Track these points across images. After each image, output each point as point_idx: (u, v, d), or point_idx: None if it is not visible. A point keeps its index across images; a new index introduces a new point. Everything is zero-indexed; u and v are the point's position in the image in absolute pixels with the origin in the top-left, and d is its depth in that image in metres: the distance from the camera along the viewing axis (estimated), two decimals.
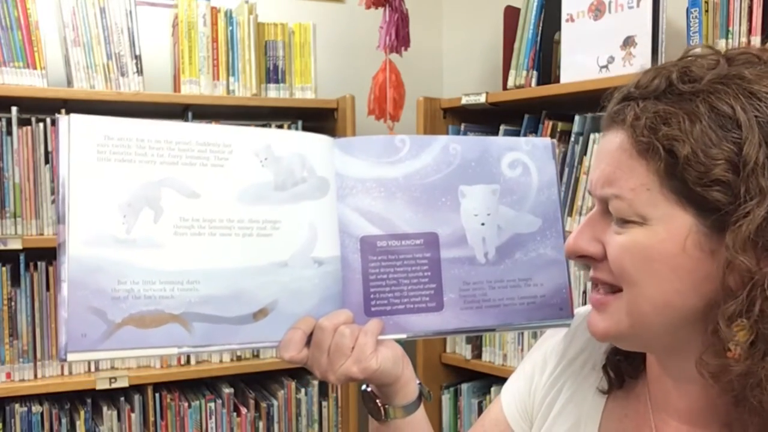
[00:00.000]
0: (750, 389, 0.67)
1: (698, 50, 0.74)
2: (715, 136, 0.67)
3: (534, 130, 2.23)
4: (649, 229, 0.71)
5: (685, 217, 0.69)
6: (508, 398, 0.97)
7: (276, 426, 2.47)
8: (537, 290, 0.90)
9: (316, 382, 2.54)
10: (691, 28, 1.84)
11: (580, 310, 0.94)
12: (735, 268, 0.66)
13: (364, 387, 0.94)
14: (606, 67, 2.05)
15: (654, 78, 0.72)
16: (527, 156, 0.93)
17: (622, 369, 0.86)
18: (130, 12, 2.24)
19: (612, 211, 0.73)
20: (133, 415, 2.27)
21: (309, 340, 0.85)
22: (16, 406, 2.18)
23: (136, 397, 2.29)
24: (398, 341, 0.90)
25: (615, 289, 0.75)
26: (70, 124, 0.77)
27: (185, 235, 0.80)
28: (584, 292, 2.08)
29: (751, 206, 0.65)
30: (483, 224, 0.90)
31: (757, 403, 0.67)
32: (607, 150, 0.74)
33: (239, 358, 2.43)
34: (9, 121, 2.14)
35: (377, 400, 0.92)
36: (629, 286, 0.73)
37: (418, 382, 0.94)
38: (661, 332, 0.74)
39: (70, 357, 0.75)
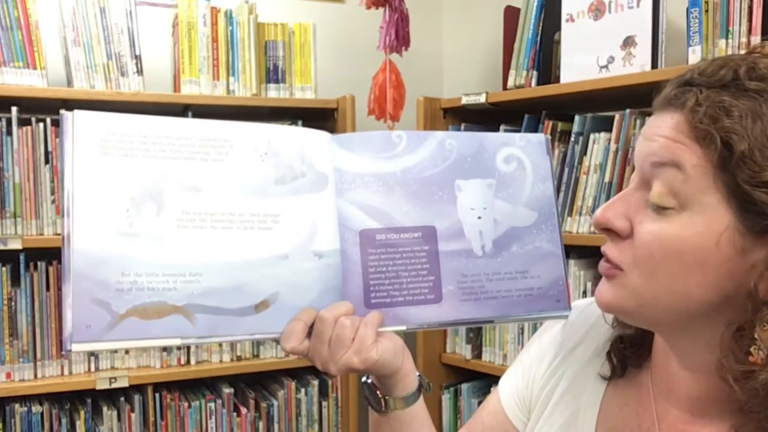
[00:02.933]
0: None
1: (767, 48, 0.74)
2: None
3: (534, 130, 2.23)
4: (687, 218, 0.70)
5: (726, 212, 0.69)
6: (505, 390, 0.98)
7: (276, 426, 2.47)
8: (534, 282, 0.91)
9: (316, 382, 2.54)
10: (691, 28, 1.85)
11: (578, 303, 0.95)
12: None
13: (364, 378, 0.95)
14: (606, 67, 2.05)
15: (721, 68, 0.71)
16: (521, 151, 0.94)
17: (626, 356, 0.86)
18: (130, 12, 2.25)
19: (657, 188, 0.72)
20: (133, 415, 2.27)
21: (310, 332, 0.85)
22: (16, 406, 2.18)
23: (136, 397, 2.29)
24: (398, 335, 0.90)
25: (618, 267, 0.76)
26: (74, 120, 0.79)
27: (187, 228, 0.82)
28: (584, 293, 2.08)
29: None
30: (479, 218, 0.91)
31: None
32: (661, 126, 0.73)
33: (239, 358, 2.43)
34: (9, 121, 2.14)
35: (377, 392, 0.93)
36: (648, 272, 0.73)
37: (417, 374, 0.94)
38: (668, 317, 0.74)
39: (75, 347, 0.76)
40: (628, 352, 0.86)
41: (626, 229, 0.75)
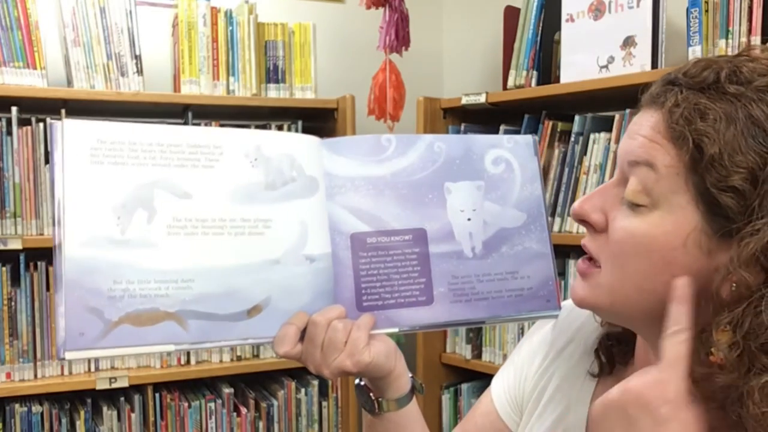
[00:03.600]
0: (731, 403, 0.67)
1: (756, 51, 0.74)
2: (744, 143, 0.67)
3: (534, 130, 2.23)
4: (658, 217, 0.72)
5: (695, 213, 0.70)
6: (497, 390, 0.99)
7: (276, 426, 2.47)
8: (524, 283, 0.92)
9: (316, 382, 2.54)
10: (691, 28, 1.84)
11: (567, 303, 0.95)
12: (734, 280, 0.67)
13: (357, 381, 0.95)
14: (606, 67, 2.05)
15: (704, 70, 0.72)
16: (509, 153, 0.94)
17: (614, 353, 0.87)
18: (130, 12, 2.25)
19: (633, 184, 0.74)
20: (133, 415, 2.28)
21: (303, 336, 0.85)
22: (16, 406, 2.19)
23: (136, 397, 2.29)
24: (398, 340, 0.91)
25: (598, 263, 0.78)
26: (63, 130, 0.79)
27: (178, 234, 0.82)
28: None
29: (761, 224, 0.66)
30: (469, 219, 0.91)
31: (736, 417, 0.67)
32: (642, 124, 0.75)
33: (239, 358, 2.44)
34: (9, 121, 2.15)
35: (371, 394, 0.93)
36: (619, 268, 0.75)
37: (410, 375, 0.95)
38: (639, 315, 0.76)
39: (69, 355, 0.76)
40: (615, 349, 0.87)
41: (601, 223, 0.77)
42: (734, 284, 0.67)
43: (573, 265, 2.09)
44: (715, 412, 0.72)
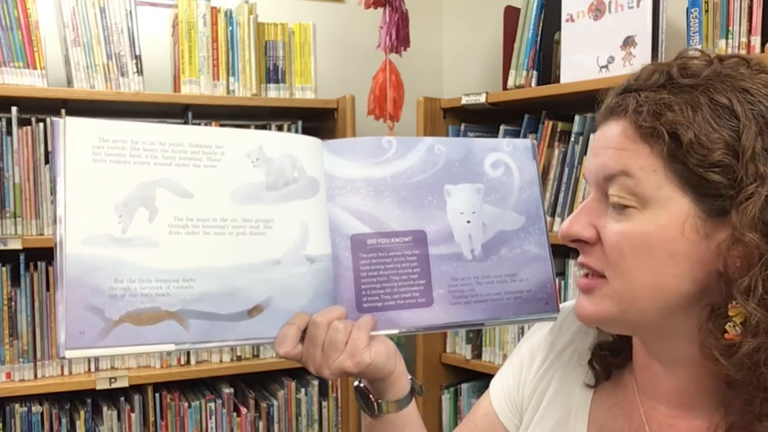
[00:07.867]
0: (764, 364, 0.69)
1: (691, 52, 0.78)
2: (715, 123, 0.71)
3: (534, 130, 2.23)
4: (648, 214, 0.73)
5: (684, 201, 0.72)
6: (497, 392, 0.99)
7: (276, 426, 2.47)
8: (523, 285, 0.92)
9: (316, 382, 2.54)
10: (691, 28, 1.84)
11: (566, 305, 0.96)
12: (741, 246, 0.69)
13: (357, 383, 0.95)
14: (606, 67, 2.05)
15: (653, 73, 0.76)
16: (509, 156, 0.95)
17: (608, 362, 0.88)
18: (130, 12, 2.24)
19: (614, 192, 0.75)
20: (133, 415, 2.27)
21: (304, 336, 0.85)
22: (16, 406, 2.18)
23: (136, 397, 2.29)
24: (398, 340, 0.91)
25: (601, 274, 0.78)
26: (65, 127, 0.79)
27: (180, 234, 0.82)
28: None
29: (753, 189, 0.69)
30: (468, 222, 0.92)
31: (765, 379, 0.69)
32: (608, 137, 0.77)
33: (239, 358, 2.43)
34: (9, 121, 2.14)
35: (370, 396, 0.93)
36: (622, 272, 0.75)
37: (410, 377, 0.95)
38: (652, 315, 0.76)
39: (69, 354, 0.76)
40: (610, 358, 0.88)
41: (593, 236, 0.78)
42: (739, 259, 0.69)
43: (573, 265, 2.09)
44: (726, 401, 0.73)
